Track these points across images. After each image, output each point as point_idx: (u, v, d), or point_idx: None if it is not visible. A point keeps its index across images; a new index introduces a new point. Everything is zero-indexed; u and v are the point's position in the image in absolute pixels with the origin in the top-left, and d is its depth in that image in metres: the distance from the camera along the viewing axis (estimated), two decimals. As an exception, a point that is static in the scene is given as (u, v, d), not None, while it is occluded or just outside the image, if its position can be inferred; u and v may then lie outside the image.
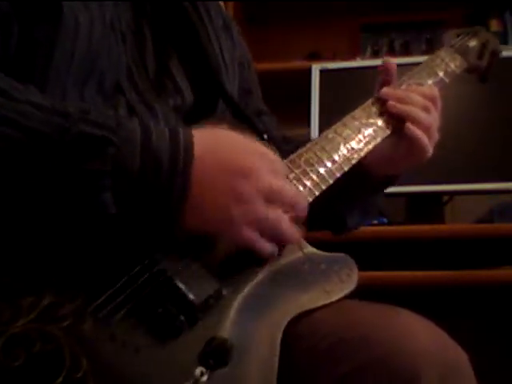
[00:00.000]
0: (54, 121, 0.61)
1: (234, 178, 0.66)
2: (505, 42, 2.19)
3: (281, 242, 0.71)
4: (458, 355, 0.71)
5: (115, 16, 0.79)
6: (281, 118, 1.07)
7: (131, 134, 0.63)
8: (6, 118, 0.60)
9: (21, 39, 0.71)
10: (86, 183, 0.61)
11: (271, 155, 0.71)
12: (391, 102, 0.89)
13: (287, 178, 0.76)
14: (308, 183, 0.78)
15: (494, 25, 2.24)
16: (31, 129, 0.60)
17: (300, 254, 0.77)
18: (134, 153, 0.62)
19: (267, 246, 0.69)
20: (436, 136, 0.91)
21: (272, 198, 0.68)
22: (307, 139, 0.88)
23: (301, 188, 0.77)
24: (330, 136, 0.84)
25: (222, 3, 1.02)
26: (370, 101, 0.91)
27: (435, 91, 0.93)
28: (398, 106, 0.89)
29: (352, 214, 0.99)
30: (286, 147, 0.86)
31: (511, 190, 1.79)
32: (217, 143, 0.67)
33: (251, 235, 0.67)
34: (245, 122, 0.85)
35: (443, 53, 1.01)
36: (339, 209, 0.97)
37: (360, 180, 0.91)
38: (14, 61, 0.71)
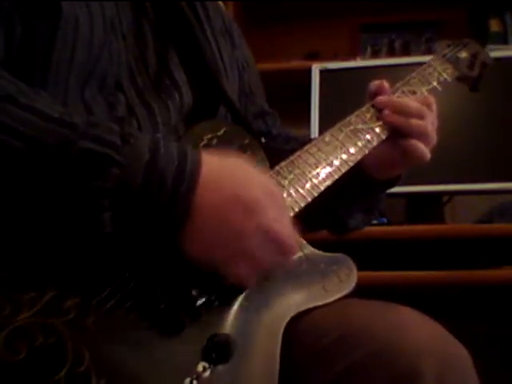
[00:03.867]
0: (59, 132, 0.60)
1: (236, 213, 0.64)
2: (505, 42, 2.19)
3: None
4: (457, 350, 0.72)
5: (116, 15, 0.79)
6: (281, 118, 1.08)
7: (138, 153, 0.61)
8: (9, 127, 0.59)
9: (23, 38, 0.70)
10: (86, 200, 0.60)
11: (277, 192, 0.69)
12: (387, 112, 0.89)
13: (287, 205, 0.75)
14: (307, 185, 0.79)
15: (494, 25, 2.23)
16: (34, 138, 0.59)
17: (300, 253, 0.77)
18: (137, 173, 0.61)
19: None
20: (434, 139, 0.91)
21: (269, 238, 0.65)
22: (307, 139, 0.88)
23: (300, 189, 0.78)
24: (327, 139, 0.85)
25: (221, 3, 1.02)
26: (365, 107, 0.92)
27: (430, 96, 0.94)
28: (394, 117, 0.89)
29: (353, 215, 0.99)
30: (286, 147, 0.86)
31: (511, 190, 1.79)
32: (223, 173, 0.65)
33: (243, 273, 0.66)
34: (244, 126, 0.85)
35: (435, 62, 1.03)
36: (340, 210, 0.97)
37: (360, 182, 0.91)
38: (16, 60, 0.70)
